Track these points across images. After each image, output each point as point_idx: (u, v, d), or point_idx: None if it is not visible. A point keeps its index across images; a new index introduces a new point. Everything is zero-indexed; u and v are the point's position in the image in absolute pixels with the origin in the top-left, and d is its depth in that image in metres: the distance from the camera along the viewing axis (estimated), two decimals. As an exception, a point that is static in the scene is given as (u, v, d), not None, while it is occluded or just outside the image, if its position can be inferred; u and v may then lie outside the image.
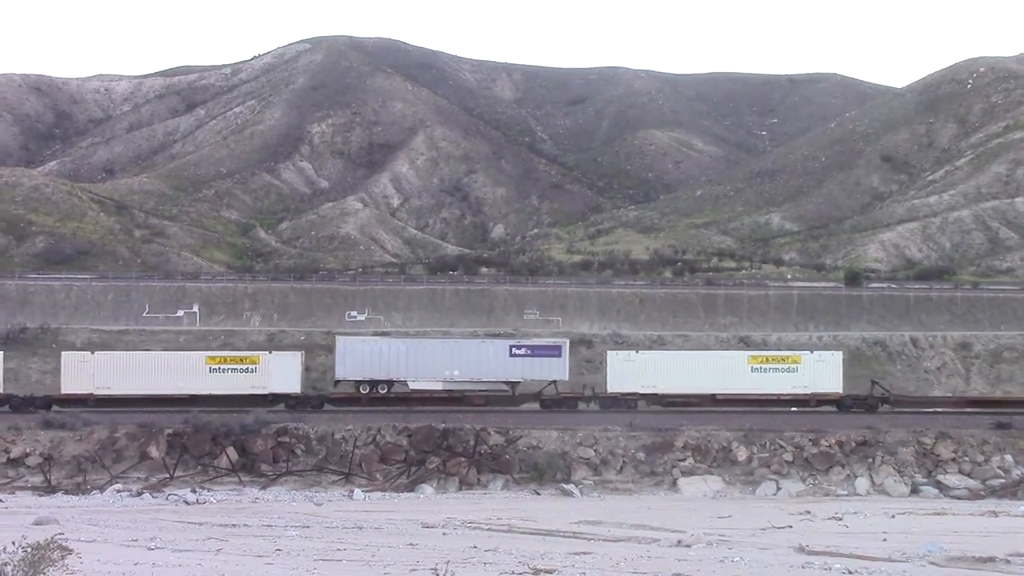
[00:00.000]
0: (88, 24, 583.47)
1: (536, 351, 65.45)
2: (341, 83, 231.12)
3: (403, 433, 50.69)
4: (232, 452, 49.66)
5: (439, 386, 64.21)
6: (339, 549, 29.25)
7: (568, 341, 68.60)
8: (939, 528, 35.07)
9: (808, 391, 63.25)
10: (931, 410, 63.06)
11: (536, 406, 63.45)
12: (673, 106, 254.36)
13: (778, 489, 47.23)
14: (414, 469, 49.11)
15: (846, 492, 47.08)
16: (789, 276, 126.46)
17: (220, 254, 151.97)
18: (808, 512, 39.73)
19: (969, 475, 48.70)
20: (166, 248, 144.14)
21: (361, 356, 64.77)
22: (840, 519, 38.13)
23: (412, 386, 64.39)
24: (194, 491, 45.25)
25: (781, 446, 49.64)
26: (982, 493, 46.59)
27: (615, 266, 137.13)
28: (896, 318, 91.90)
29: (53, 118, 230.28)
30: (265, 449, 49.90)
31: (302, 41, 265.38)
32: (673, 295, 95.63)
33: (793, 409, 62.18)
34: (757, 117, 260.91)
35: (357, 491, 46.21)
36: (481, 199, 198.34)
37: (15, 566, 17.20)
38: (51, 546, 18.00)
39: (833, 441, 49.77)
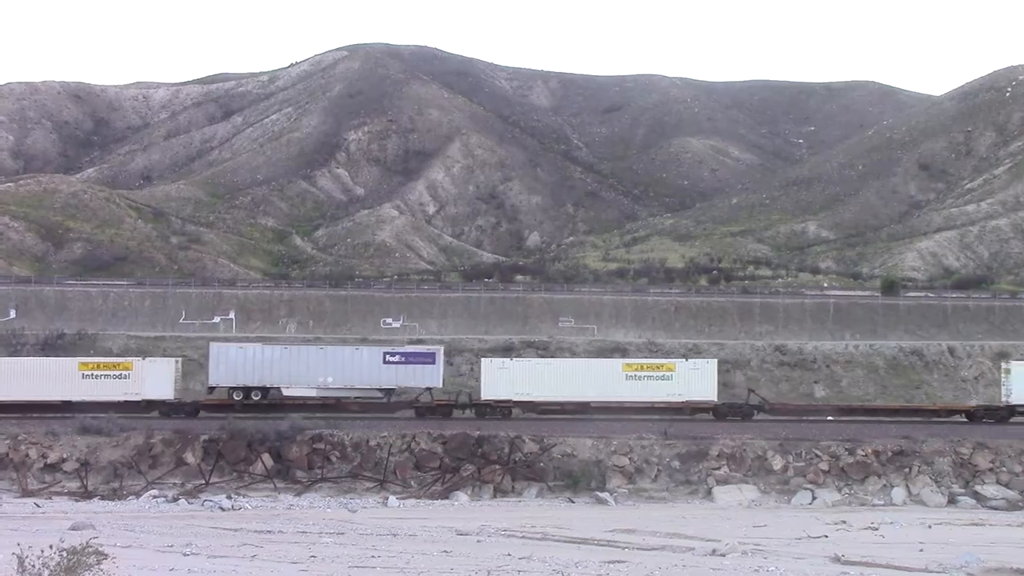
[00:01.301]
0: (126, 32, 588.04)
1: (410, 358, 65.01)
2: (378, 91, 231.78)
3: (438, 440, 50.67)
4: (267, 458, 49.75)
5: (313, 393, 63.84)
6: (373, 556, 29.28)
7: (442, 348, 68.38)
8: (976, 539, 34.82)
9: (683, 399, 63.14)
10: (807, 418, 62.57)
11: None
12: (709, 114, 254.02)
13: (814, 499, 46.97)
14: (449, 476, 49.09)
15: (882, 502, 46.76)
16: (825, 284, 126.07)
17: (256, 261, 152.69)
18: (844, 522, 39.51)
19: (1007, 486, 48.30)
20: (203, 255, 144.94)
21: (234, 363, 64.43)
22: (876, 529, 37.91)
23: (286, 393, 64.01)
24: (229, 497, 45.34)
25: (817, 455, 49.37)
26: (1020, 504, 46.20)
27: (650, 274, 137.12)
28: (933, 327, 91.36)
29: (92, 125, 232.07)
30: (300, 456, 49.97)
31: (339, 49, 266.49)
32: (708, 303, 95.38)
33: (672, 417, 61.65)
34: (793, 125, 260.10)
35: (391, 498, 46.20)
36: (516, 207, 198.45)
37: (52, 571, 17.30)
38: (87, 551, 18.09)
39: (869, 451, 49.44)
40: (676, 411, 62.63)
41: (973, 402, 71.14)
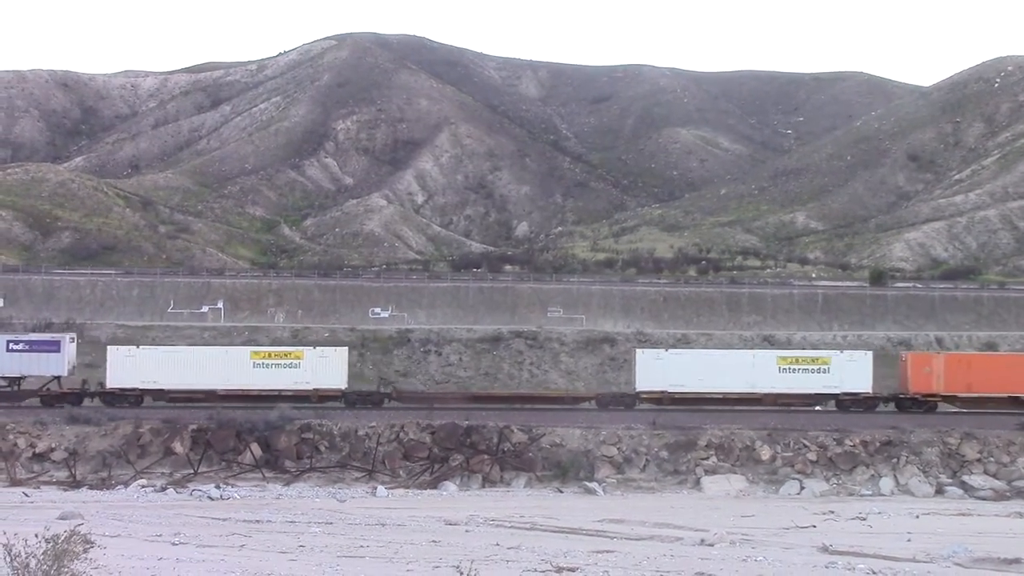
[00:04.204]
0: (115, 21, 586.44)
1: (35, 346, 63.30)
2: (366, 80, 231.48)
3: (426, 430, 50.60)
4: (256, 448, 49.67)
5: None
6: (362, 546, 29.28)
7: (69, 336, 66.49)
8: (964, 529, 34.89)
9: (310, 386, 62.52)
10: (441, 406, 61.40)
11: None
12: (698, 104, 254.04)
13: (802, 488, 46.98)
14: (437, 466, 49.05)
15: (870, 492, 46.78)
16: (814, 275, 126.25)
17: (245, 250, 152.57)
18: (832, 512, 39.57)
19: (995, 476, 48.34)
20: (191, 244, 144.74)
21: None
22: (864, 519, 37.96)
23: None
24: (218, 487, 45.26)
25: (805, 445, 49.39)
26: (1007, 494, 46.26)
27: (639, 264, 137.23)
28: (921, 317, 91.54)
29: (80, 114, 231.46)
30: (289, 445, 49.90)
31: (328, 38, 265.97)
32: (697, 294, 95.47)
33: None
34: (782, 115, 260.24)
35: (380, 488, 46.16)
36: (505, 196, 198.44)
37: (39, 559, 17.26)
38: (74, 539, 18.04)
39: (857, 441, 49.47)
40: (304, 399, 61.91)
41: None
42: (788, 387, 63.19)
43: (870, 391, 63.45)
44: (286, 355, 64.18)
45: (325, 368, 63.31)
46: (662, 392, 63.32)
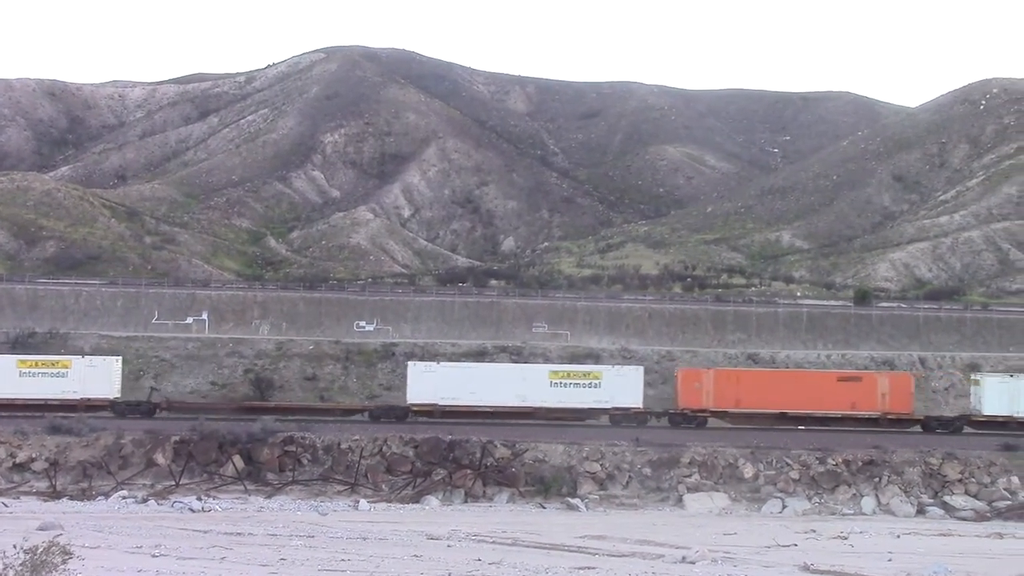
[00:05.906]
0: (103, 30, 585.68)
1: None
2: (354, 93, 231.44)
3: (409, 444, 50.59)
4: (238, 460, 49.57)
5: None
6: (343, 559, 29.25)
7: None
8: (945, 549, 34.95)
9: (78, 396, 62.75)
10: (208, 416, 60.03)
11: None
12: (686, 122, 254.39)
13: (784, 507, 47.06)
14: (420, 480, 49.01)
15: (852, 511, 46.87)
16: (799, 294, 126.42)
17: (230, 262, 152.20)
18: (813, 531, 39.64)
19: (975, 496, 48.46)
20: (176, 255, 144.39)
21: None
22: (845, 538, 38.02)
23: None
24: (199, 499, 45.17)
25: (788, 464, 49.46)
26: (988, 515, 46.35)
27: (625, 281, 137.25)
28: (905, 338, 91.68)
29: (66, 123, 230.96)
30: (271, 458, 49.82)
31: (316, 51, 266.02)
32: (682, 311, 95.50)
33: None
34: (769, 134, 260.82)
35: (362, 501, 46.11)
36: (492, 211, 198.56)
37: (17, 570, 17.19)
38: (53, 550, 17.98)
39: (840, 460, 49.57)
40: (71, 408, 61.70)
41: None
42: (560, 401, 64.22)
43: (640, 406, 64.51)
44: (53, 364, 64.29)
45: (94, 377, 63.40)
46: (433, 405, 64.11)
